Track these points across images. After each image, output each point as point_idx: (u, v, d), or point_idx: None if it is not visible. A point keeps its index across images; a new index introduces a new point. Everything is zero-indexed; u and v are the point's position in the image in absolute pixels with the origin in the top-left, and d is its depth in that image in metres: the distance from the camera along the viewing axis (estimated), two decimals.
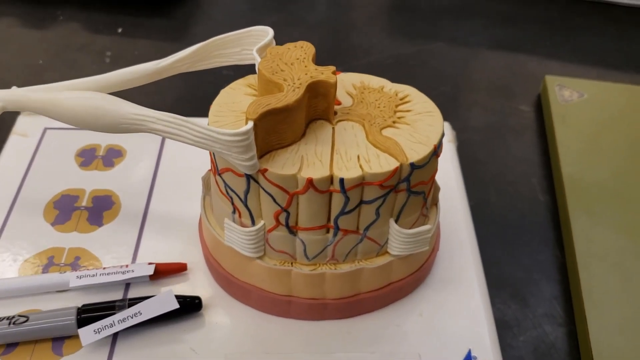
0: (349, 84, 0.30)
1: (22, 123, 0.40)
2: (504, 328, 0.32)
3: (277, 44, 0.28)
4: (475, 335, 0.30)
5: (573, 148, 0.41)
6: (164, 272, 0.31)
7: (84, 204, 0.35)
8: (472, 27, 0.54)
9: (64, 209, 0.35)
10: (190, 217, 0.34)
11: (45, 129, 0.39)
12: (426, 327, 0.30)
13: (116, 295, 0.31)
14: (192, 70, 0.29)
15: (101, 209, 0.35)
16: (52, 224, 0.34)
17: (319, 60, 0.28)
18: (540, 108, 0.46)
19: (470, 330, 0.30)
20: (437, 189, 0.31)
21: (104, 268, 0.31)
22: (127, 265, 0.31)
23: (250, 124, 0.24)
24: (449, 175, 0.38)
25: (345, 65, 0.48)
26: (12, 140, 0.39)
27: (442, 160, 0.38)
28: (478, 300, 0.32)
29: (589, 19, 0.55)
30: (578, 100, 0.44)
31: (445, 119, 0.43)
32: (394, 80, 0.30)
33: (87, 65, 0.48)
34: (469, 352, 0.29)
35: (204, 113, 0.30)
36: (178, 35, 0.52)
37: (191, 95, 0.45)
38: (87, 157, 0.38)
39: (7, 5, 0.54)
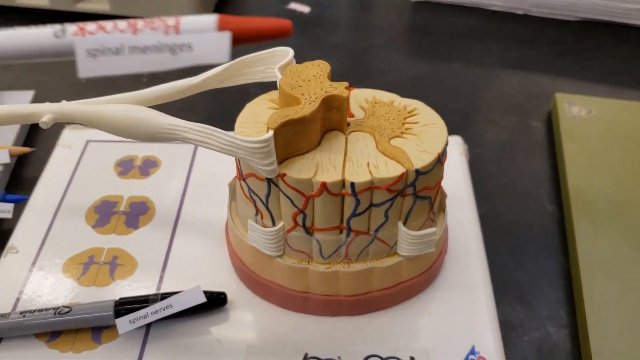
0: (362, 98, 0.33)
1: (66, 136, 0.43)
2: (509, 329, 0.34)
3: (298, 63, 0.31)
4: (480, 333, 0.32)
5: (580, 161, 0.43)
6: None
7: (122, 208, 0.39)
8: (486, 49, 0.57)
9: (104, 214, 0.38)
10: (218, 220, 0.37)
11: (88, 142, 0.43)
12: (434, 325, 0.33)
13: (150, 291, 0.34)
14: (221, 86, 0.33)
15: (137, 213, 0.38)
16: (93, 227, 0.37)
17: (340, 79, 0.30)
18: (551, 124, 0.48)
19: (475, 329, 0.32)
20: (444, 195, 0.34)
21: None
22: None
23: (271, 132, 0.27)
24: (459, 185, 0.40)
25: (363, 84, 0.51)
26: (58, 151, 0.42)
27: (453, 171, 0.40)
28: (484, 302, 0.34)
29: (601, 40, 0.57)
30: (586, 116, 0.46)
31: (457, 133, 0.46)
32: (410, 97, 0.33)
33: (125, 87, 0.52)
34: (473, 348, 0.32)
35: (231, 127, 0.33)
36: None
37: (221, 111, 0.49)
38: (125, 167, 0.41)
39: None
